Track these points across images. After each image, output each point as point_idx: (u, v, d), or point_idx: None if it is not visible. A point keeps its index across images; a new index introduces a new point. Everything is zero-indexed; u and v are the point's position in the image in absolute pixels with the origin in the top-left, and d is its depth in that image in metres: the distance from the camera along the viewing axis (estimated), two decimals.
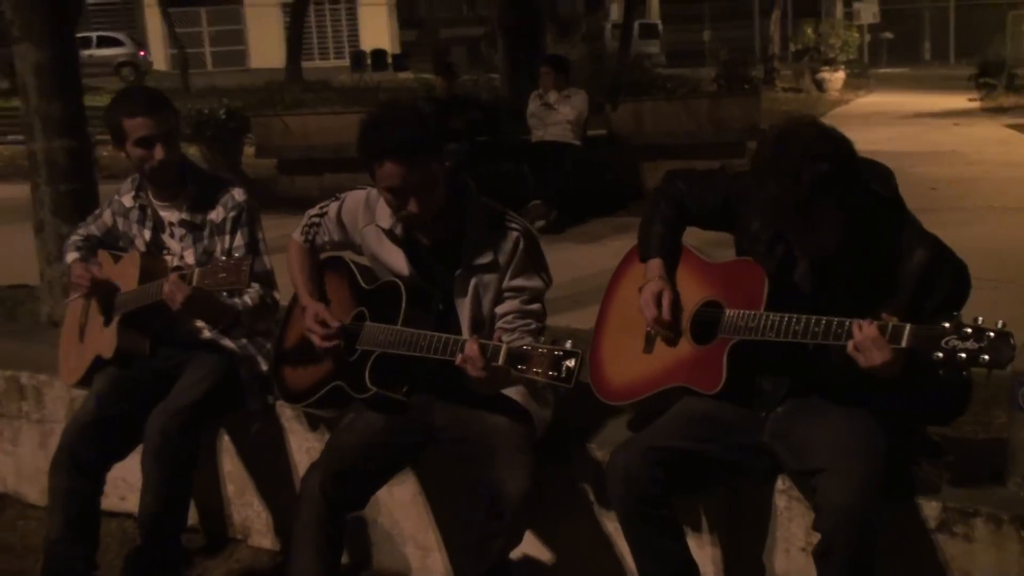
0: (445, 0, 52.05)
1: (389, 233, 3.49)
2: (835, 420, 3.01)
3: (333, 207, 3.69)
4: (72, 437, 3.84)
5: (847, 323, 2.83)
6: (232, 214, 3.95)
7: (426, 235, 3.45)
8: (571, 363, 2.83)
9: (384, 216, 3.47)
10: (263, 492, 4.28)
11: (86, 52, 39.88)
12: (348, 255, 3.75)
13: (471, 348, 3.03)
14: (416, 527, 3.94)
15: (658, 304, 3.30)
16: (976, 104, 23.44)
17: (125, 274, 3.98)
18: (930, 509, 3.09)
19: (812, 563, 2.96)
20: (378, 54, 36.61)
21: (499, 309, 3.40)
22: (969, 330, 2.64)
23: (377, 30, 45.18)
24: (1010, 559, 3.01)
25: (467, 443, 3.40)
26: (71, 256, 4.17)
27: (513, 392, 3.39)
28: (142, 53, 40.98)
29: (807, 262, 3.09)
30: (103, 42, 40.74)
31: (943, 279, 2.91)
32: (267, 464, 4.21)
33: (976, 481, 3.17)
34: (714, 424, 3.17)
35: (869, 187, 2.99)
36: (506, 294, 3.39)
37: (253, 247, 3.94)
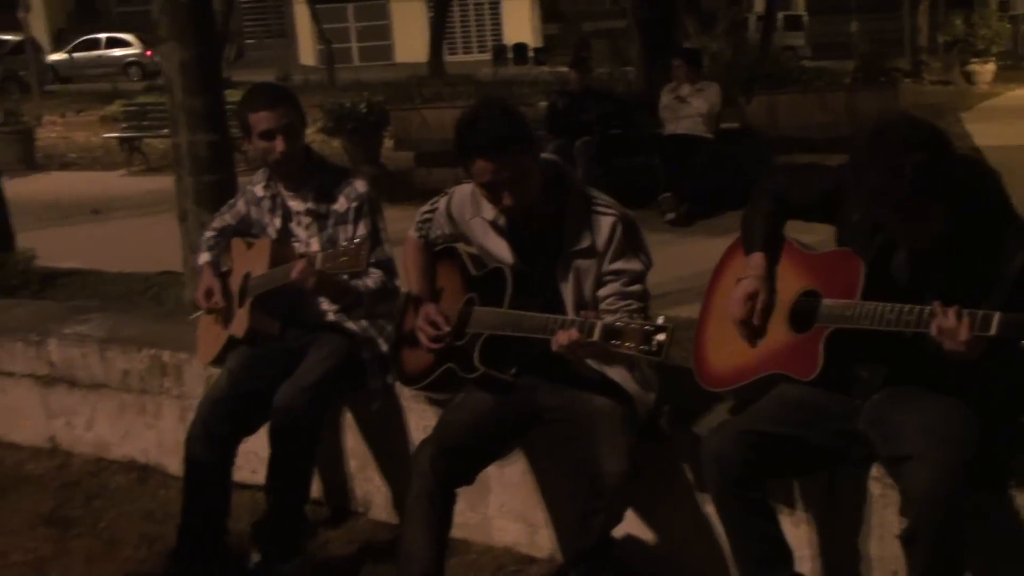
0: None
1: (493, 224, 3.66)
2: (928, 408, 3.06)
3: (443, 202, 3.88)
4: (206, 411, 4.10)
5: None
6: (354, 204, 4.16)
7: (527, 224, 3.61)
8: (661, 337, 2.93)
9: (488, 208, 3.64)
10: (383, 467, 4.49)
11: (95, 53, 41.55)
12: (460, 245, 3.93)
13: (560, 339, 3.19)
14: (525, 505, 4.10)
15: (748, 304, 3.38)
16: None
17: (257, 259, 4.23)
18: None
19: None
20: (519, 48, 36.92)
21: (600, 292, 3.52)
22: None
23: (520, 24, 45.47)
24: None
25: (570, 423, 3.55)
26: (203, 257, 4.43)
27: (617, 375, 3.53)
28: (148, 53, 42.12)
29: (905, 253, 3.15)
30: (112, 43, 42.68)
31: None
32: (387, 441, 4.41)
33: None
34: (809, 410, 3.25)
35: (972, 185, 3.03)
36: (606, 278, 3.52)
37: (374, 236, 4.13)
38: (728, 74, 13.30)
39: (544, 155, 3.61)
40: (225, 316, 4.36)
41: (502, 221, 3.64)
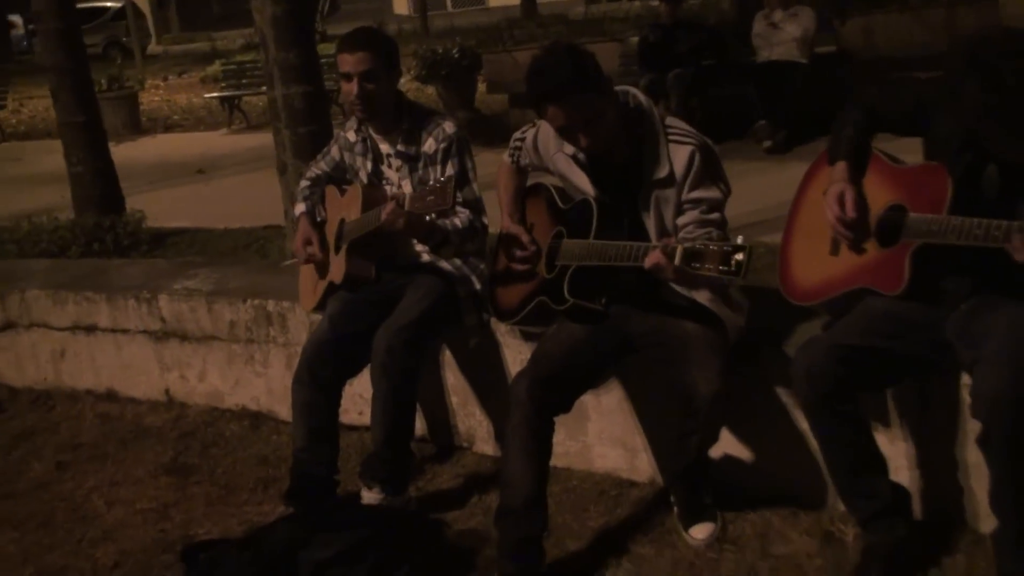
0: None
1: (574, 159, 3.71)
2: (1008, 315, 3.05)
3: (530, 134, 3.94)
4: (310, 355, 4.24)
5: None
6: (443, 145, 4.23)
7: (608, 157, 3.63)
8: (740, 256, 2.94)
9: (569, 144, 3.69)
10: (484, 402, 4.60)
11: None
12: (548, 179, 3.99)
13: (654, 256, 3.19)
14: (624, 431, 4.17)
15: (841, 204, 3.37)
16: None
17: (350, 205, 4.34)
18: None
19: None
20: None
21: (679, 220, 3.55)
22: None
23: None
24: None
25: (662, 348, 3.60)
26: (299, 208, 4.57)
27: (706, 299, 3.56)
28: None
29: (996, 169, 3.10)
30: None
31: None
32: (486, 376, 4.52)
33: None
34: (897, 322, 3.26)
35: None
36: (685, 206, 3.55)
37: (462, 176, 4.20)
38: None
39: (618, 87, 3.64)
40: (322, 264, 4.48)
41: (583, 155, 3.68)
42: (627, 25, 17.74)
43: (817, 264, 3.54)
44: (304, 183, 4.63)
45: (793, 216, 3.74)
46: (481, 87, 14.74)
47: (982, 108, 2.90)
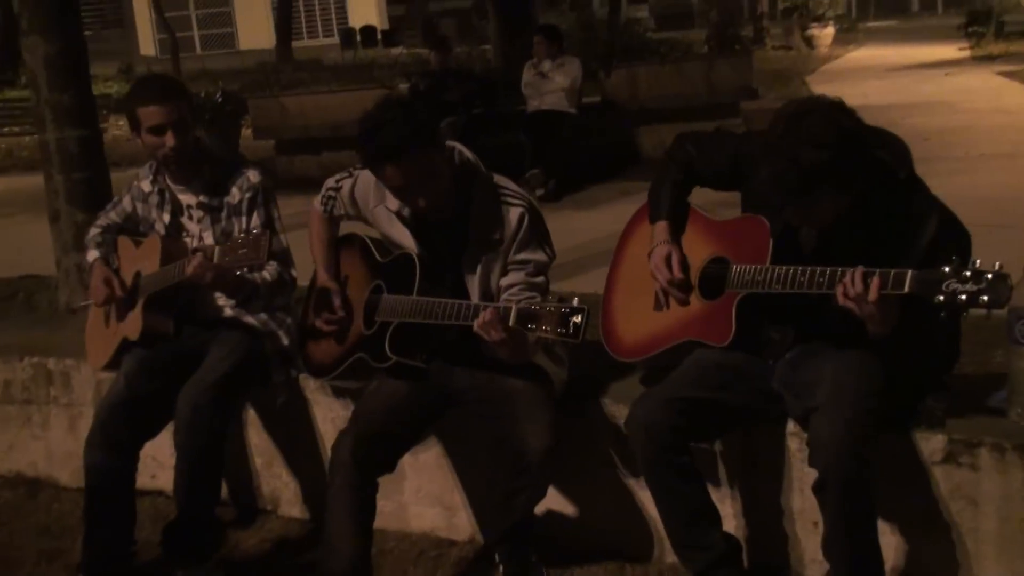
0: None
1: (398, 214, 3.61)
2: (834, 362, 3.14)
3: (347, 184, 3.81)
4: (105, 416, 3.96)
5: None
6: (248, 195, 4.06)
7: (434, 215, 3.52)
8: (578, 319, 2.91)
9: (391, 198, 3.58)
10: (291, 463, 4.42)
11: None
12: (364, 229, 3.87)
13: (487, 314, 3.13)
14: (442, 489, 4.09)
15: (668, 266, 3.42)
16: (966, 53, 23.54)
17: (147, 257, 4.10)
18: (936, 442, 3.24)
19: None
20: (367, 30, 36.53)
21: (504, 281, 3.49)
22: (968, 273, 2.74)
23: (365, 6, 44.89)
24: (1014, 485, 3.16)
25: (489, 404, 3.53)
26: (92, 255, 4.29)
27: None
28: None
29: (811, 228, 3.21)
30: None
31: (948, 251, 2.91)
32: (293, 435, 4.35)
33: (980, 413, 3.32)
34: (727, 372, 3.31)
35: (881, 163, 3.06)
36: (511, 267, 3.49)
37: (269, 226, 4.03)
38: (585, 49, 13.42)
39: (448, 142, 3.56)
40: (117, 315, 4.22)
41: (407, 211, 3.58)
42: (395, 72, 17.77)
43: (641, 320, 3.56)
44: (94, 230, 4.36)
45: (613, 272, 3.77)
46: (246, 133, 14.42)
47: (777, 181, 2.97)
